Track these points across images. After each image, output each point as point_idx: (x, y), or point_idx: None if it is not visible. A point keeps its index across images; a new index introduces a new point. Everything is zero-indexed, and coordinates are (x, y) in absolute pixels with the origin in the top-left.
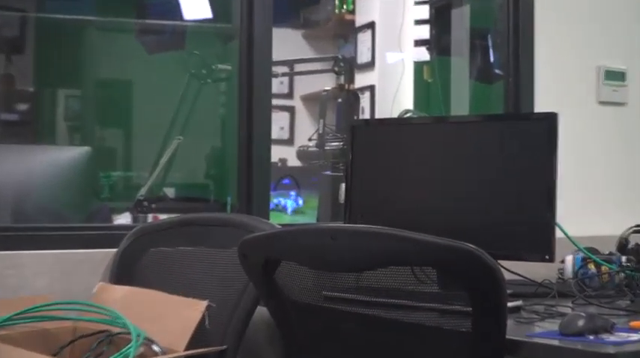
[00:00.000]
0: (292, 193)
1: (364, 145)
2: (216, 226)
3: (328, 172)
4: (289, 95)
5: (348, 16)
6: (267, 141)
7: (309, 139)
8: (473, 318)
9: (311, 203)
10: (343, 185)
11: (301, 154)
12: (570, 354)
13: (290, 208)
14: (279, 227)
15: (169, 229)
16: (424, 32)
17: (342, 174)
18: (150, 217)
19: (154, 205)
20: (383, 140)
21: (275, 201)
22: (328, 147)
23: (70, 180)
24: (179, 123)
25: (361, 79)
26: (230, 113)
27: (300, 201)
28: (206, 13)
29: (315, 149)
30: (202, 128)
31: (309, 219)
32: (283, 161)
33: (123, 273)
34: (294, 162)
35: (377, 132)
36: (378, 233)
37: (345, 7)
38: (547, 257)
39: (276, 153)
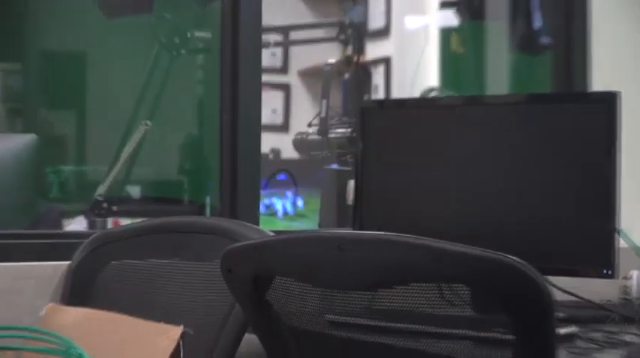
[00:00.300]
0: (289, 192)
1: (378, 132)
2: (193, 233)
3: (333, 166)
4: (283, 70)
5: None
6: (257, 128)
7: (309, 125)
8: (514, 349)
9: (312, 205)
10: (352, 182)
11: (299, 144)
12: None
13: (282, 211)
14: (272, 234)
15: (135, 237)
16: None
17: (349, 168)
18: (110, 222)
19: (115, 207)
20: (401, 126)
21: (266, 202)
22: (333, 135)
23: (9, 176)
24: (146, 105)
25: (373, 50)
26: (210, 92)
27: (300, 203)
28: None
29: (316, 137)
30: (175, 111)
31: (309, 224)
32: (276, 152)
33: (78, 292)
34: (289, 153)
35: (394, 117)
36: (395, 241)
37: None
38: (607, 271)
39: (268, 142)
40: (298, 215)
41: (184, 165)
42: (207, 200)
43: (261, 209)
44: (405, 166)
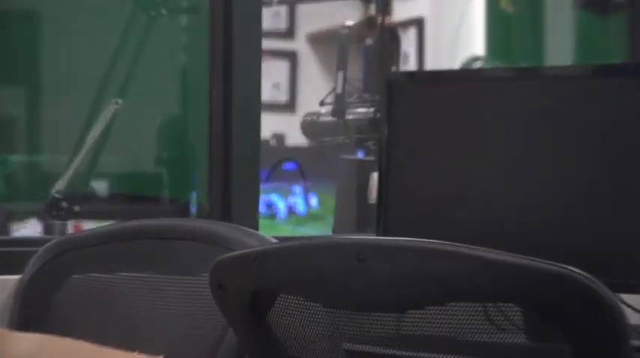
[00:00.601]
0: (297, 187)
1: (408, 113)
2: (175, 240)
3: (351, 155)
4: (289, 34)
5: None
6: (255, 107)
7: (321, 104)
8: None
9: (327, 204)
10: (375, 175)
11: (308, 127)
12: None
13: (285, 211)
14: (275, 241)
15: (102, 245)
16: None
17: (372, 158)
18: (71, 226)
19: (77, 207)
20: (437, 105)
21: (268, 199)
22: (351, 116)
23: None
24: (116, 79)
25: (403, 9)
26: (196, 63)
27: (314, 201)
28: None
29: (329, 119)
30: (153, 87)
31: (322, 229)
32: (279, 138)
33: (31, 313)
34: (296, 138)
35: (428, 93)
36: (430, 250)
37: None
38: None
39: (269, 125)
40: (313, 216)
41: (164, 154)
42: (193, 198)
43: (262, 209)
44: (442, 155)
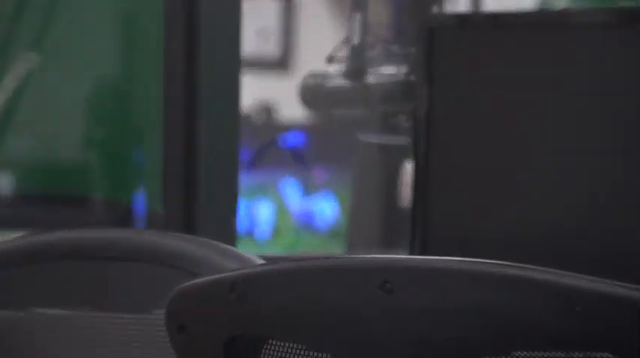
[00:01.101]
0: (295, 182)
1: (458, 73)
2: (114, 261)
3: (372, 137)
4: None
5: None
6: (233, 65)
7: (329, 60)
8: None
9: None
10: (409, 166)
11: (310, 94)
12: None
13: (265, 223)
14: (261, 262)
15: (6, 268)
16: None
17: (403, 140)
18: None
19: None
20: (502, 60)
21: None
22: (374, 79)
23: None
24: (27, 27)
25: None
26: (143, 4)
27: (329, 206)
28: None
29: (341, 83)
30: (81, 37)
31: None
32: (268, 109)
33: None
34: (293, 111)
35: (487, 44)
36: (493, 276)
37: None
38: None
39: (254, 90)
40: (333, 235)
41: (96, 134)
42: (140, 199)
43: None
44: (507, 134)
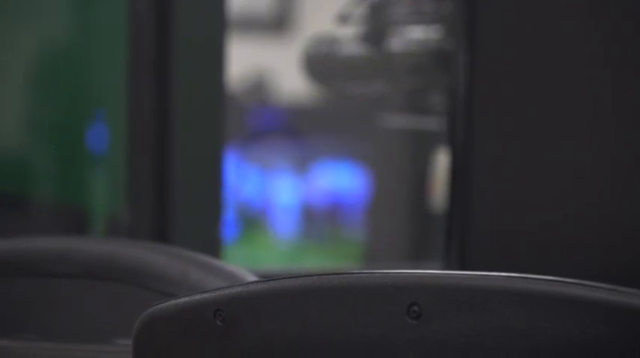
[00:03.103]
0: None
1: (505, 38)
2: (67, 278)
3: (396, 120)
4: None
5: None
6: (216, 27)
7: (340, 19)
8: None
9: None
10: (444, 157)
11: (317, 64)
12: None
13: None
14: (254, 279)
15: None
16: None
17: (436, 124)
18: None
19: None
20: (557, 22)
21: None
22: (397, 44)
23: None
24: None
25: None
26: None
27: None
28: None
29: (355, 51)
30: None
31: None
32: (263, 84)
33: None
34: (293, 86)
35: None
36: (547, 295)
37: None
38: None
39: (244, 59)
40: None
41: (40, 118)
42: (97, 200)
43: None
44: (566, 119)
